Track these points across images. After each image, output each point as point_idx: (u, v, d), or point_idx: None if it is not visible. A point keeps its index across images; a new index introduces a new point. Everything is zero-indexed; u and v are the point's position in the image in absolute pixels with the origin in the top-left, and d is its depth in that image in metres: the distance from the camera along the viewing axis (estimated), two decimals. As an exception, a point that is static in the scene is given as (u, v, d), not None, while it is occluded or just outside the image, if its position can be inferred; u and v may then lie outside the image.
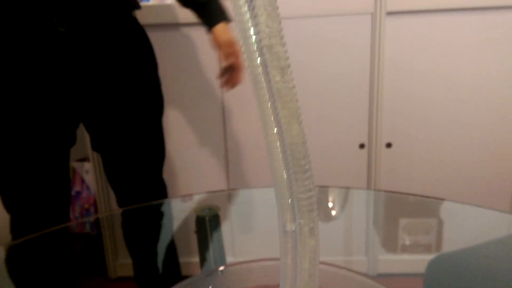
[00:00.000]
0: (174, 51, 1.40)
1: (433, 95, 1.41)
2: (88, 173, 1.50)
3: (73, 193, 1.50)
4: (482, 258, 0.63)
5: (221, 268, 0.38)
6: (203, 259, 0.57)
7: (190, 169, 1.50)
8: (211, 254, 0.58)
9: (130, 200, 1.06)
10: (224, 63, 1.07)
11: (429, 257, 0.75)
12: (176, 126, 1.46)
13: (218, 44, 1.04)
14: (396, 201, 0.94)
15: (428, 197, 0.83)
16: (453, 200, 0.78)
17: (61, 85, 0.90)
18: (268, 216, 0.76)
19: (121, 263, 1.59)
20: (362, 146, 1.46)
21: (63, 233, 0.98)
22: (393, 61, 1.38)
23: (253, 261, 0.39)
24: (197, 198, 0.76)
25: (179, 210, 0.70)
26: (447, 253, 0.70)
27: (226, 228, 0.62)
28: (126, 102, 0.98)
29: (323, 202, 0.84)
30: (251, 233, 0.69)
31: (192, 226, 0.62)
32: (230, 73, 1.08)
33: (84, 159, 1.53)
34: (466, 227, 0.77)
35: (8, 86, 0.87)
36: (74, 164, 1.51)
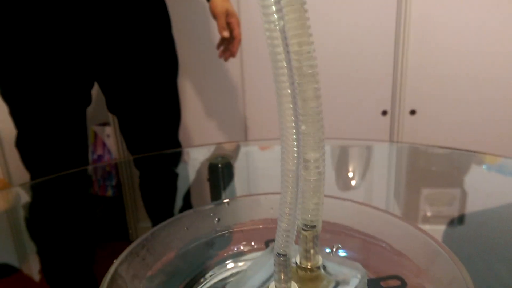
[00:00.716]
0: (188, 13, 1.38)
1: (460, 60, 1.35)
2: (109, 137, 1.52)
3: (95, 156, 1.53)
4: (504, 220, 0.60)
5: (228, 200, 0.37)
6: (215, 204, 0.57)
7: (206, 135, 1.50)
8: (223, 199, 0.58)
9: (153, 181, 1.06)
10: (222, 33, 1.04)
11: (450, 229, 0.73)
12: (193, 92, 1.45)
13: (216, 14, 1.01)
14: (418, 172, 0.91)
15: (456, 149, 0.80)
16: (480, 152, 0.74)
17: (76, 44, 0.90)
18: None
19: (142, 226, 1.62)
20: (384, 113, 1.42)
21: (84, 194, 0.99)
22: (419, 25, 1.32)
23: (260, 194, 0.38)
24: (211, 149, 0.76)
25: (193, 159, 0.70)
26: (467, 213, 0.67)
27: (239, 177, 0.62)
28: (140, 62, 0.97)
29: (342, 172, 0.83)
30: (264, 183, 0.69)
31: (205, 174, 0.62)
32: (227, 44, 1.06)
33: (105, 124, 1.55)
34: (491, 195, 0.74)
35: (24, 45, 0.87)
36: (95, 128, 1.53)
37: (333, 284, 0.27)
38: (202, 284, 0.32)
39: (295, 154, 0.24)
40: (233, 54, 1.08)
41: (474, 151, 0.76)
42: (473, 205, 0.79)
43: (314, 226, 0.27)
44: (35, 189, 0.87)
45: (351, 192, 0.82)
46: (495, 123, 1.39)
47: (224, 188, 0.57)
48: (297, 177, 0.24)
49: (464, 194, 0.89)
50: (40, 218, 0.68)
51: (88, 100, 1.00)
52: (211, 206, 0.37)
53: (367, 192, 0.83)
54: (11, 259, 0.43)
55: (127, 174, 1.55)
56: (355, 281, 0.27)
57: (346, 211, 0.35)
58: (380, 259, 0.32)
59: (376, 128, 1.45)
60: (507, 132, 1.39)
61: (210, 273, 0.33)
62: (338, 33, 1.35)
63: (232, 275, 0.34)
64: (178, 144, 1.11)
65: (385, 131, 1.45)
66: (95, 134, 1.54)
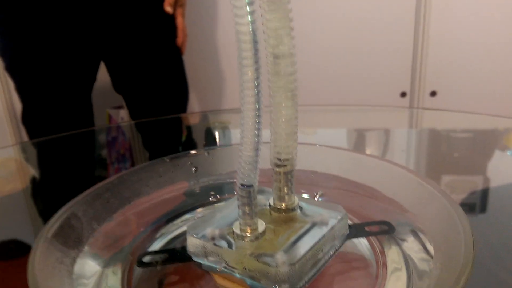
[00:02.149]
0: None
1: (482, 39, 1.27)
2: (124, 119, 1.52)
3: (109, 138, 1.53)
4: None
5: (208, 149, 0.35)
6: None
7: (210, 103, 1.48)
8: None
9: (155, 140, 1.05)
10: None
11: (472, 218, 0.68)
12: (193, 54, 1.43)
13: None
14: (438, 157, 0.86)
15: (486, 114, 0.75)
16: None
17: (82, 20, 0.89)
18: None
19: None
20: (403, 94, 1.36)
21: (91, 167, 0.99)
22: (440, 2, 1.25)
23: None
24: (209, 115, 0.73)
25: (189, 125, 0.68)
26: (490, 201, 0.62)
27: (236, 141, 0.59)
28: (145, 38, 0.95)
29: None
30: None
31: (202, 139, 0.59)
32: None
33: (119, 107, 1.54)
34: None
35: (31, 20, 0.87)
36: (109, 111, 1.53)
37: (308, 225, 0.24)
38: (170, 228, 0.29)
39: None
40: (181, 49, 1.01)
41: (498, 116, 0.70)
42: (495, 193, 0.74)
43: (287, 160, 0.24)
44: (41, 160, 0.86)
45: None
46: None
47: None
48: (259, 97, 0.21)
49: (487, 181, 0.84)
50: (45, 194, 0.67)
51: (93, 78, 0.99)
52: (189, 155, 0.34)
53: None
54: (28, 238, 0.42)
55: (140, 157, 1.54)
56: (333, 222, 0.24)
57: (333, 159, 0.31)
58: (368, 205, 0.28)
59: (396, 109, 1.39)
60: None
61: (179, 219, 0.30)
62: (357, 12, 1.30)
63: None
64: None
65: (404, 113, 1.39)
66: (110, 117, 1.54)
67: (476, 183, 1.00)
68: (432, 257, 0.22)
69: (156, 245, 0.27)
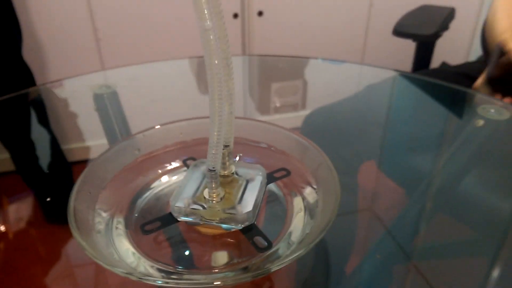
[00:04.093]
0: None
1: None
2: None
3: None
4: (347, 112, 0.78)
5: (143, 132, 0.44)
6: (109, 135, 0.61)
7: (61, 55, 1.40)
8: (116, 129, 0.63)
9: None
10: None
11: (296, 114, 0.90)
12: (43, 11, 1.30)
13: None
14: (268, 67, 1.05)
15: (296, 56, 0.95)
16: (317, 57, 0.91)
17: None
18: (165, 87, 0.80)
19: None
20: (235, 15, 1.50)
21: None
22: None
23: (169, 123, 0.46)
24: (91, 76, 0.75)
25: (73, 91, 0.70)
26: (319, 107, 0.84)
27: (126, 102, 0.65)
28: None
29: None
30: (150, 105, 0.74)
31: (92, 104, 0.64)
32: None
33: None
34: (328, 83, 0.92)
35: None
36: None
37: (244, 182, 0.39)
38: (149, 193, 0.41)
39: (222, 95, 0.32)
40: None
41: (308, 57, 0.92)
42: (312, 92, 0.98)
43: (228, 145, 0.37)
44: None
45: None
46: (331, 29, 1.60)
47: (115, 117, 0.62)
48: (221, 114, 0.33)
49: (305, 84, 1.08)
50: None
51: None
52: (130, 140, 0.43)
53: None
54: None
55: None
56: (259, 178, 0.39)
57: (243, 127, 0.45)
58: (270, 158, 0.44)
59: (228, 31, 1.53)
60: (340, 37, 1.62)
61: (151, 187, 0.42)
62: None
63: (169, 186, 0.43)
64: (25, 66, 1.03)
65: (237, 33, 1.55)
66: None
67: (298, 86, 1.26)
68: (316, 189, 0.40)
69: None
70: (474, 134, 0.63)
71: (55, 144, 0.89)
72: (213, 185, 0.36)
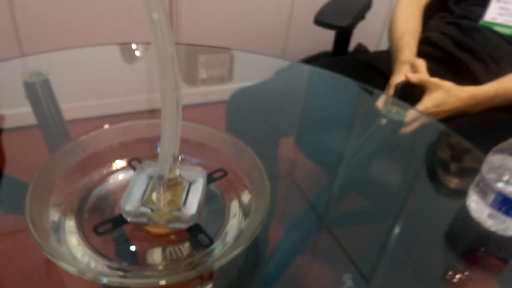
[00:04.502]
0: None
1: None
2: None
3: None
4: (270, 92, 0.84)
5: (87, 134, 0.47)
6: (41, 122, 0.61)
7: None
8: (48, 117, 0.63)
9: None
10: None
11: (222, 87, 0.95)
12: None
13: None
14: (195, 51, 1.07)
15: (219, 47, 0.99)
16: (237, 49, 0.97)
17: None
18: (97, 73, 0.80)
19: None
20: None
21: None
22: None
23: (114, 123, 0.48)
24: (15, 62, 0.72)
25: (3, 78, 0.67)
26: (246, 87, 0.89)
27: (60, 89, 0.64)
28: None
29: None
30: (83, 92, 0.73)
31: (23, 92, 0.62)
32: None
33: None
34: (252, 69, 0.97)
35: None
36: None
37: (188, 184, 0.43)
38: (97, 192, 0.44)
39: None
40: None
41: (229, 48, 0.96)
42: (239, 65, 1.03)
43: (175, 154, 0.42)
44: None
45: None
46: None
47: (48, 107, 0.61)
48: (177, 123, 0.37)
49: (232, 57, 1.12)
50: None
51: None
52: (75, 141, 0.46)
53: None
54: None
55: None
56: (201, 180, 0.44)
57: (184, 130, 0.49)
58: (209, 159, 0.49)
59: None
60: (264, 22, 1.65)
61: (99, 188, 0.45)
62: None
63: (116, 185, 0.46)
64: None
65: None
66: None
67: (224, 58, 1.30)
68: (249, 188, 0.46)
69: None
70: (377, 133, 0.73)
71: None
72: (161, 190, 0.40)
